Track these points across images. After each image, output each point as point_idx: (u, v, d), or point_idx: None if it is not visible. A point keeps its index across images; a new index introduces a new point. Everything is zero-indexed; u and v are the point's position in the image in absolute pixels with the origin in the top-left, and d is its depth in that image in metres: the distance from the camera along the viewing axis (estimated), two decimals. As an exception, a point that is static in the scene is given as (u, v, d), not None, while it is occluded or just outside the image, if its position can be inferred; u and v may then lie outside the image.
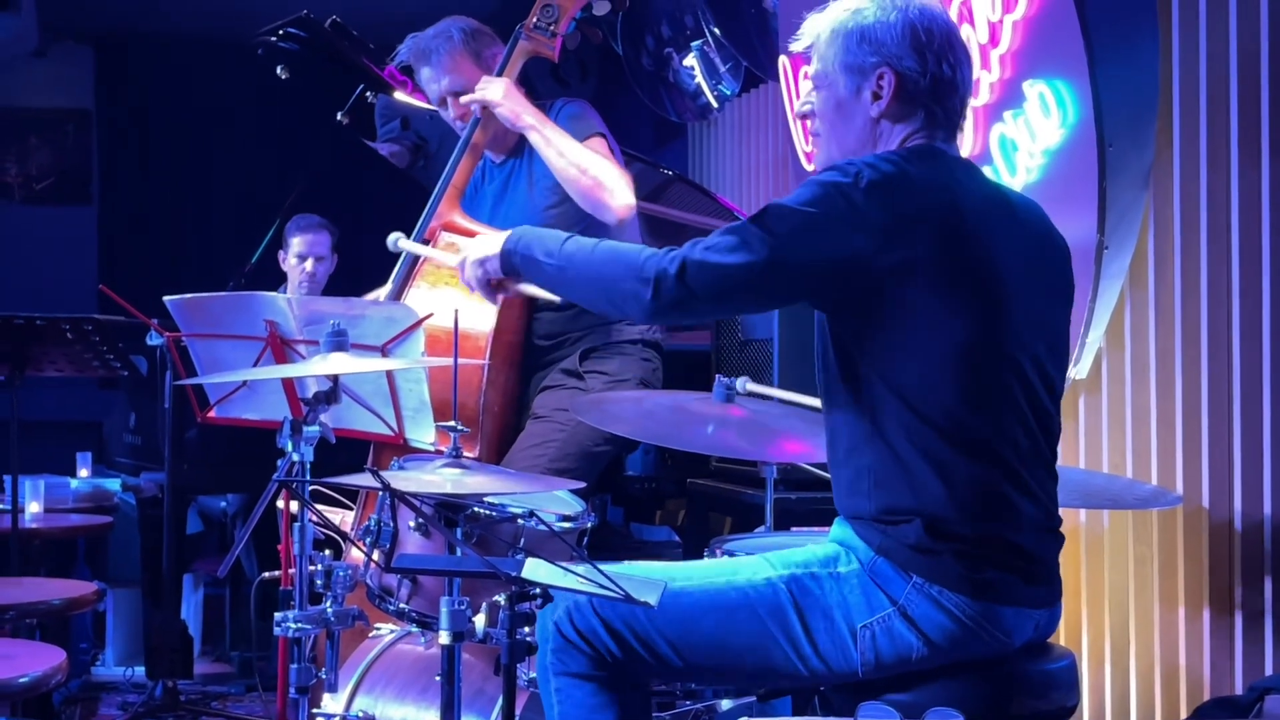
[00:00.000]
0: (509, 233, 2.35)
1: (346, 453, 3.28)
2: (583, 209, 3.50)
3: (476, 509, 2.61)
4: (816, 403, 2.82)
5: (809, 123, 2.33)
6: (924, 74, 2.18)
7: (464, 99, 3.53)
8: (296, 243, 5.04)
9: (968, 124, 3.40)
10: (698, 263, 2.08)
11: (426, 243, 3.51)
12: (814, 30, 2.27)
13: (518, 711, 2.22)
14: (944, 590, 2.08)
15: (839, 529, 2.21)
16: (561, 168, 3.39)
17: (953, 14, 3.44)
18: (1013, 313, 2.13)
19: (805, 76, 4.22)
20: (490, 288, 2.39)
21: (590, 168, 3.37)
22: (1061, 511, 2.24)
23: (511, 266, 2.33)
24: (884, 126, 2.23)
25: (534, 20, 3.55)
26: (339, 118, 4.87)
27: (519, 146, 3.60)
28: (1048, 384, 2.21)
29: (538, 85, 5.62)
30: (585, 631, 2.18)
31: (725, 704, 2.78)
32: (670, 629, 2.16)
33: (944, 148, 2.23)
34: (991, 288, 2.11)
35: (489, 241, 2.38)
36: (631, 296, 2.13)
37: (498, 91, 3.45)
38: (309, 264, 5.02)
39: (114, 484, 5.43)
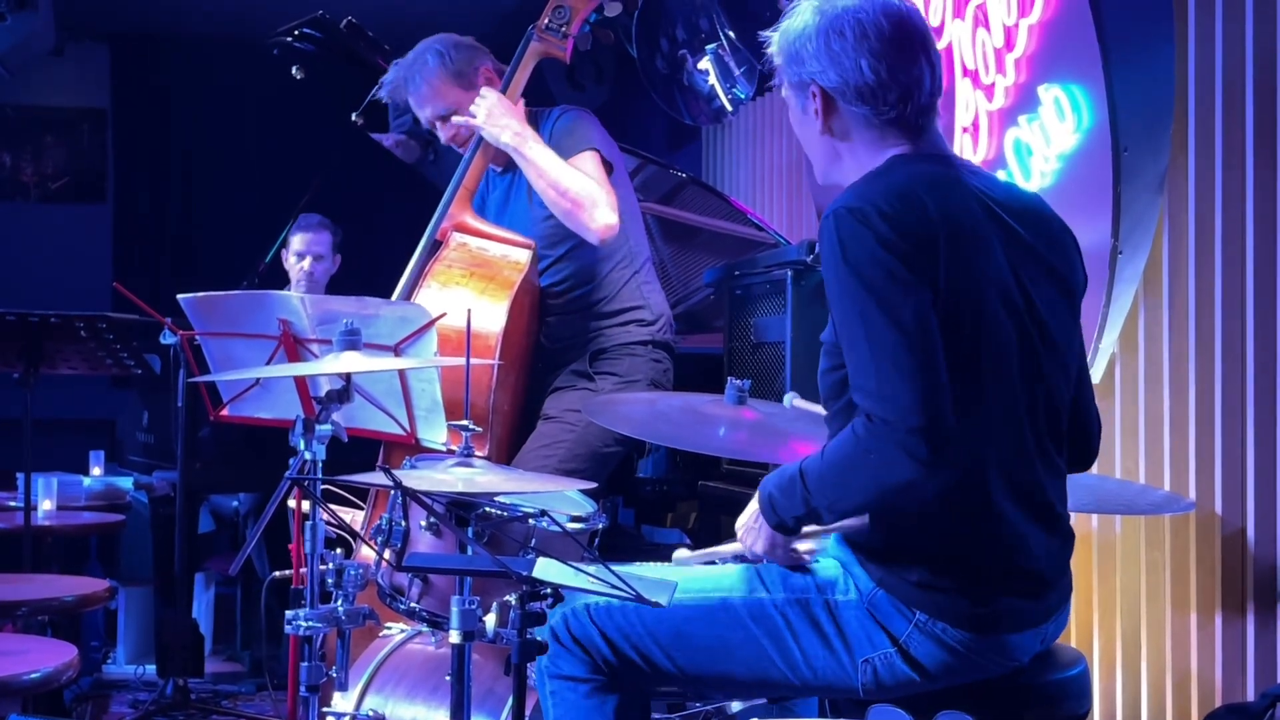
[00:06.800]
0: (755, 509, 2.19)
1: (359, 452, 3.29)
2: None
3: (488, 508, 2.61)
4: None
5: None
6: (845, 82, 2.09)
7: (455, 120, 3.53)
8: (295, 241, 5.10)
9: (982, 128, 3.43)
10: (885, 409, 1.91)
11: (438, 244, 3.51)
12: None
13: (527, 712, 2.22)
14: (948, 627, 2.02)
15: (837, 547, 2.16)
16: (541, 189, 3.38)
17: (967, 18, 3.43)
18: (1020, 324, 2.04)
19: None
20: (794, 552, 2.19)
21: (571, 188, 3.33)
22: (1073, 517, 2.22)
23: (789, 530, 2.13)
24: (838, 143, 2.16)
25: (545, 21, 3.55)
26: (354, 118, 4.88)
27: None
28: (1056, 392, 2.12)
29: (553, 88, 5.63)
30: (581, 638, 2.18)
31: (735, 705, 2.78)
32: (666, 638, 2.15)
33: (932, 153, 2.13)
34: (986, 301, 2.01)
35: (747, 531, 2.21)
36: (896, 467, 1.91)
37: (481, 113, 3.44)
38: (306, 262, 5.06)
39: (126, 482, 5.45)
